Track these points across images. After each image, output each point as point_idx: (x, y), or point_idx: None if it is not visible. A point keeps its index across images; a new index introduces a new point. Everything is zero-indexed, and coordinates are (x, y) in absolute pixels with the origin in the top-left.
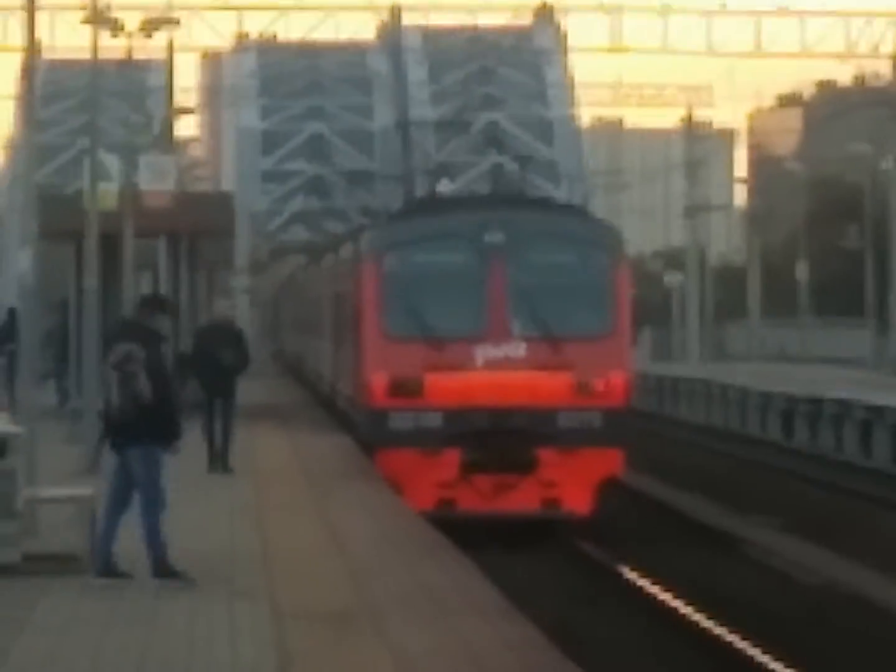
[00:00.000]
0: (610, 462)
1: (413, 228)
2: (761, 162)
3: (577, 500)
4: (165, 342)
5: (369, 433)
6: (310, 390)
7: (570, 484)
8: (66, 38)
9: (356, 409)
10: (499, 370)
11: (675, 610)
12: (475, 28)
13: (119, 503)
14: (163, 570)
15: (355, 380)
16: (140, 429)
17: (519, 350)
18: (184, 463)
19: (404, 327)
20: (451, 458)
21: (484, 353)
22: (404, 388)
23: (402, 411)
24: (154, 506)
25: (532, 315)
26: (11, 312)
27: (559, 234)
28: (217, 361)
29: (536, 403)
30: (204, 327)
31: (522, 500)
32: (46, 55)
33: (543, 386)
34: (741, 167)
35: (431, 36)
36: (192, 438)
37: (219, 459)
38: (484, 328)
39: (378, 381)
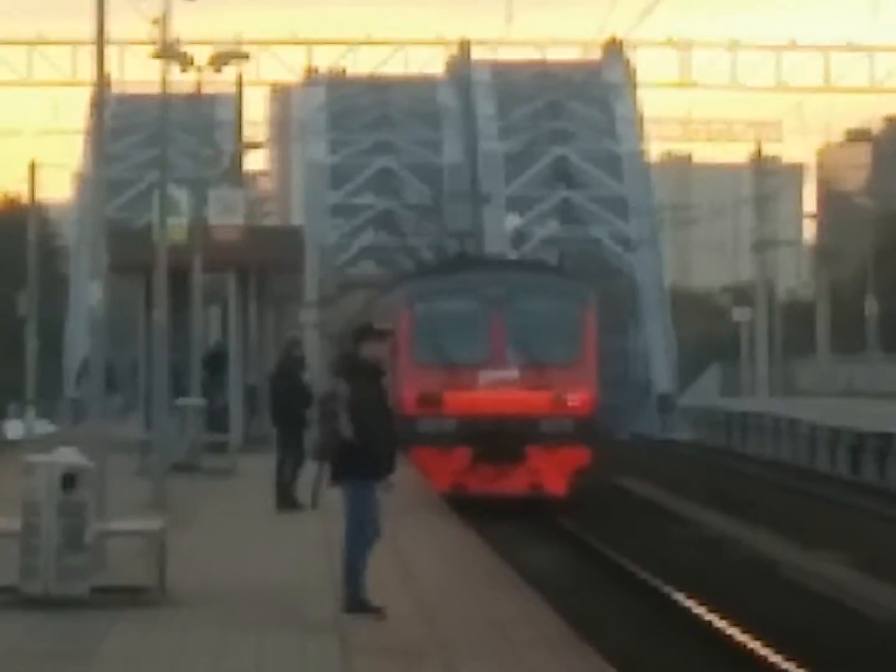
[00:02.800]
0: (580, 457)
1: (436, 284)
2: (830, 197)
3: (556, 485)
4: (379, 374)
5: (402, 435)
6: None
7: (551, 472)
8: (136, 72)
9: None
10: (498, 388)
11: (744, 646)
12: (544, 63)
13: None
14: (352, 606)
15: (392, 395)
16: (344, 465)
17: (513, 374)
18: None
19: (429, 356)
20: (463, 453)
21: (487, 375)
22: (428, 401)
23: (427, 418)
24: (354, 541)
25: (522, 348)
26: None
27: (542, 289)
28: (308, 395)
29: (525, 413)
30: (285, 362)
31: (515, 483)
32: (115, 89)
33: (530, 400)
34: (810, 202)
35: (500, 70)
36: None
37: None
38: (487, 357)
39: (409, 395)
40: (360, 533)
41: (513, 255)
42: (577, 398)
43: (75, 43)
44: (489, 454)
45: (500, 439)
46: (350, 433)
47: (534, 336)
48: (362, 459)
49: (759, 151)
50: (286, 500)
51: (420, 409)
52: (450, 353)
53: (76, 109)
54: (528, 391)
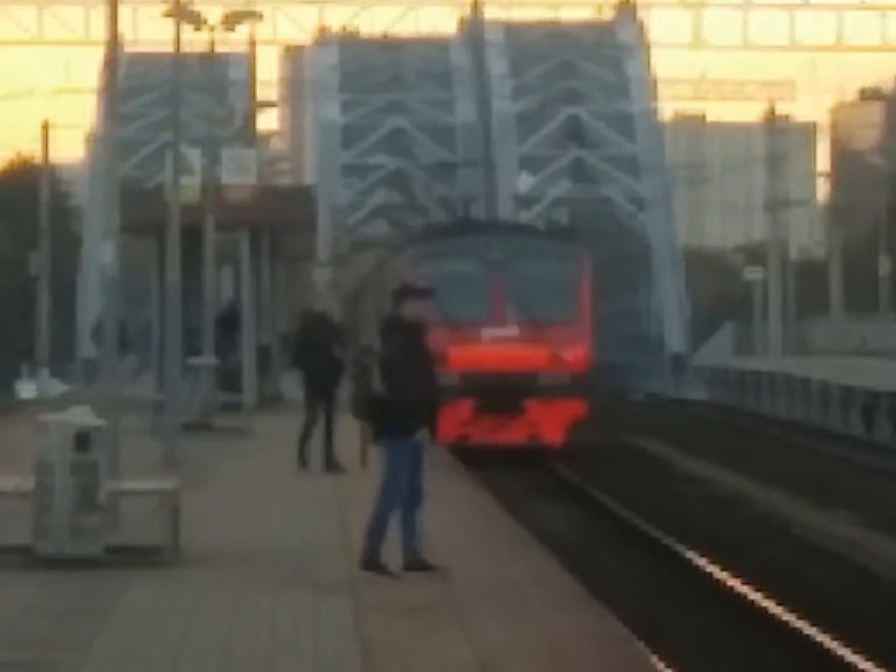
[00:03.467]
0: (575, 409)
1: (440, 246)
2: (843, 156)
3: (553, 435)
4: (421, 332)
5: None
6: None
7: (548, 424)
8: (149, 32)
9: None
10: (498, 344)
11: (760, 607)
12: (556, 23)
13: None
14: (370, 565)
15: None
16: (381, 423)
17: (512, 331)
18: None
19: (434, 315)
20: (466, 406)
21: (488, 332)
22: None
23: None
24: (387, 498)
25: (521, 307)
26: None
27: (539, 251)
28: (329, 355)
29: (524, 368)
30: (310, 317)
31: (514, 434)
32: (128, 49)
33: (529, 356)
34: (823, 161)
35: (513, 30)
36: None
37: (327, 457)
38: (488, 315)
39: None
40: (393, 491)
41: (524, 216)
42: (572, 354)
43: (88, 3)
44: (490, 407)
45: (500, 393)
46: (380, 388)
47: (531, 295)
48: (398, 417)
49: (771, 111)
50: (328, 461)
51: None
52: (453, 311)
53: (89, 69)
54: (526, 347)
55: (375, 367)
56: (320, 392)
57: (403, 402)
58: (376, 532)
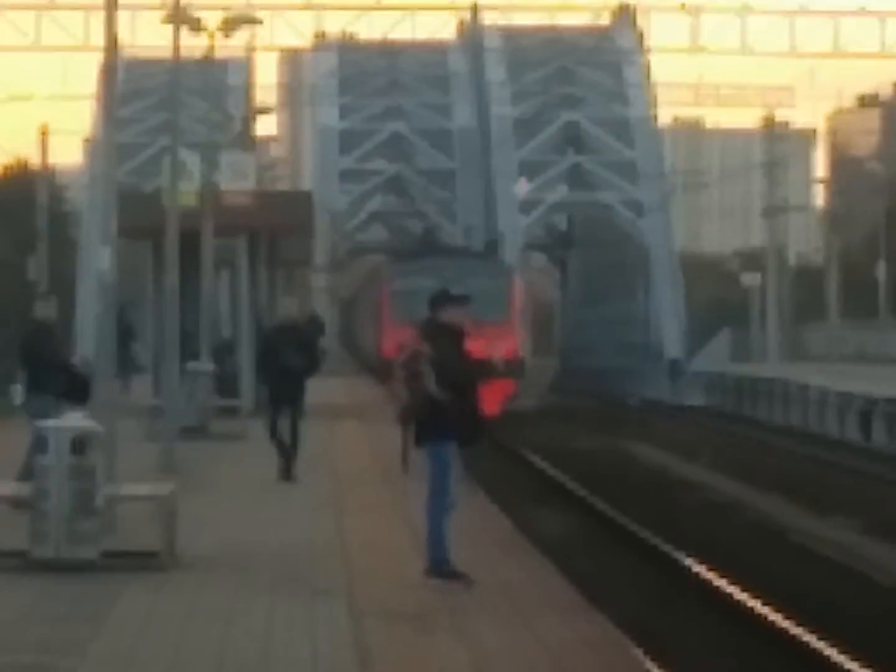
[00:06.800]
0: (507, 387)
1: (408, 266)
2: (841, 162)
3: (491, 408)
4: (460, 336)
5: (382, 372)
6: (359, 357)
7: (486, 399)
8: (147, 37)
9: (376, 358)
10: None
11: (757, 613)
12: (554, 28)
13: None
14: (439, 570)
15: (376, 342)
16: (427, 426)
17: None
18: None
19: (401, 316)
20: None
21: None
22: (400, 347)
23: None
24: (438, 504)
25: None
26: (121, 308)
27: (479, 270)
28: (283, 364)
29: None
30: (270, 328)
31: None
32: (126, 54)
33: (472, 347)
34: (821, 167)
35: (511, 36)
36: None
37: (282, 467)
38: None
39: (388, 344)
40: (443, 496)
41: (522, 221)
42: (505, 345)
43: (86, 8)
44: None
45: None
46: (437, 390)
47: (474, 302)
48: (444, 419)
49: (770, 117)
50: (286, 471)
51: (395, 353)
52: (415, 314)
53: (87, 75)
54: (471, 341)
55: (428, 370)
56: (284, 401)
57: (454, 403)
58: (437, 539)
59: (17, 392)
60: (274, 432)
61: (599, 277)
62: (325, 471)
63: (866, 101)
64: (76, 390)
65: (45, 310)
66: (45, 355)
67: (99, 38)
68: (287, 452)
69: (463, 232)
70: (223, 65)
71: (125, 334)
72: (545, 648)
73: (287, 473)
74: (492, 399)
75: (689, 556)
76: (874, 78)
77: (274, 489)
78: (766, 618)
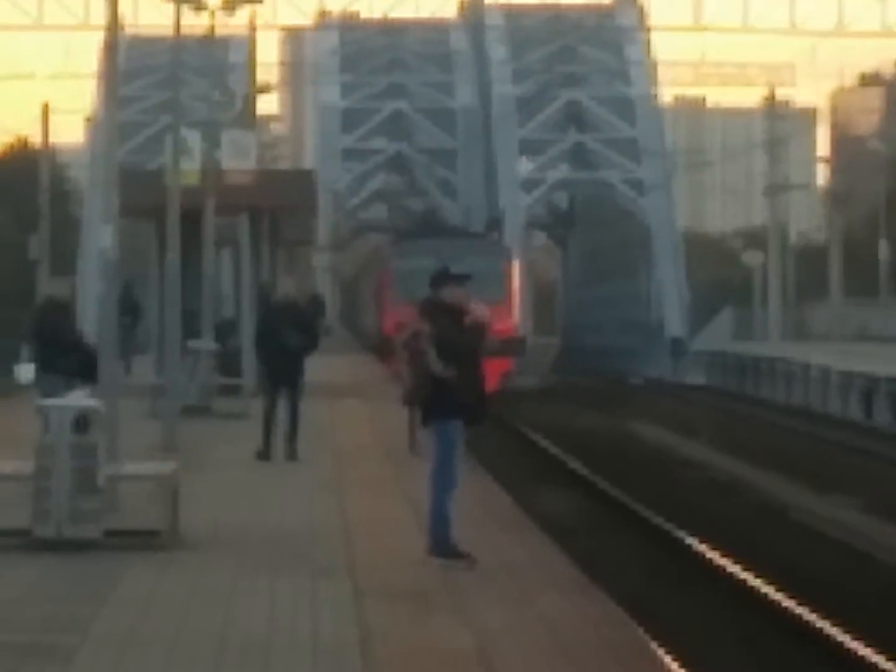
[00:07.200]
0: (505, 365)
1: (407, 247)
2: (843, 141)
3: (491, 383)
4: (461, 316)
5: (381, 348)
6: (361, 336)
7: (486, 375)
8: (149, 15)
9: (377, 335)
10: None
11: (759, 592)
12: (557, 6)
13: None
14: (442, 550)
15: (377, 321)
16: (432, 405)
17: None
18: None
19: (402, 295)
20: None
21: None
22: (401, 326)
23: (399, 336)
24: (442, 482)
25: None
26: (127, 285)
27: (477, 249)
28: (281, 344)
29: None
30: (268, 308)
31: None
32: (128, 32)
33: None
34: (823, 146)
35: (513, 14)
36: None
37: (286, 447)
38: None
39: (389, 322)
40: (446, 475)
41: (524, 200)
42: (502, 325)
43: None
44: None
45: None
46: (440, 367)
47: (472, 282)
48: (449, 398)
49: (772, 95)
50: (290, 451)
51: (395, 331)
52: (415, 293)
53: (89, 53)
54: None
55: (430, 348)
56: (282, 380)
57: (457, 382)
58: (439, 518)
59: (24, 371)
60: (270, 412)
61: (601, 256)
62: (328, 449)
63: (868, 80)
64: (89, 369)
65: (59, 288)
66: (59, 334)
67: (100, 17)
68: (270, 434)
69: (463, 212)
70: (224, 43)
71: (131, 312)
72: (547, 626)
73: (290, 453)
74: (490, 377)
75: (690, 534)
76: (876, 56)
77: (277, 468)
78: (767, 596)
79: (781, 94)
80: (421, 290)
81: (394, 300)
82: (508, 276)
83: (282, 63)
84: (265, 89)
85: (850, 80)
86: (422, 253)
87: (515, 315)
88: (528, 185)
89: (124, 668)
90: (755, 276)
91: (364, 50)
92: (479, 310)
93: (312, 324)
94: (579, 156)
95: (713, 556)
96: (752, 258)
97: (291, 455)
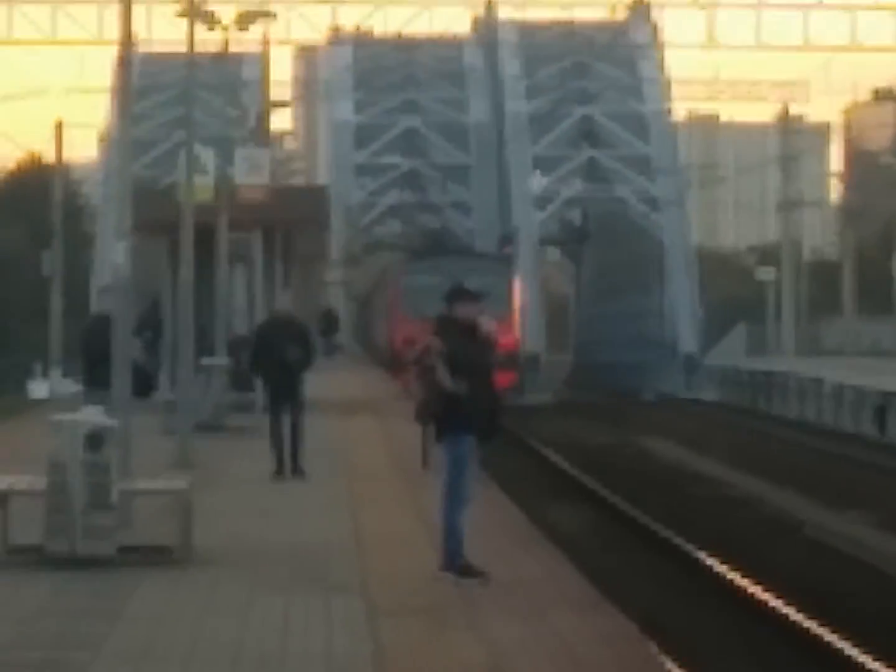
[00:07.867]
0: (509, 378)
1: (417, 265)
2: (857, 156)
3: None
4: (475, 332)
5: (392, 363)
6: (372, 351)
7: None
8: (162, 31)
9: (387, 351)
10: None
11: (773, 607)
12: (570, 23)
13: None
14: (454, 565)
15: (388, 336)
16: (444, 420)
17: None
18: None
19: (411, 311)
20: None
21: None
22: (410, 341)
23: (408, 352)
24: (453, 498)
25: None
26: (155, 302)
27: (483, 269)
28: (280, 359)
29: None
30: (264, 323)
31: None
32: (142, 49)
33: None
34: (836, 162)
35: (526, 30)
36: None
37: (290, 462)
38: None
39: (398, 337)
40: (458, 490)
41: (537, 216)
42: (505, 340)
43: (101, 2)
44: None
45: None
46: (449, 383)
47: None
48: (461, 413)
49: (785, 111)
50: (294, 466)
51: (403, 347)
52: (423, 309)
53: (102, 69)
54: None
55: (440, 364)
56: (283, 396)
57: (469, 398)
58: (451, 534)
59: (37, 386)
60: (276, 432)
61: (614, 272)
62: (341, 466)
63: (882, 95)
64: (137, 385)
65: (106, 303)
66: (105, 349)
67: (113, 33)
68: (283, 451)
69: (472, 230)
70: (238, 59)
71: (154, 327)
72: (560, 643)
73: (294, 469)
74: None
75: (703, 550)
76: (890, 71)
77: (290, 484)
78: (780, 612)
79: (795, 109)
80: (428, 307)
81: (402, 316)
82: (511, 294)
83: (295, 79)
84: (278, 105)
85: (863, 95)
86: (430, 270)
87: (516, 330)
88: (542, 200)
89: None
90: (768, 292)
91: (377, 66)
92: (486, 323)
93: (308, 338)
94: (592, 172)
95: (726, 571)
96: (765, 274)
97: (297, 471)
